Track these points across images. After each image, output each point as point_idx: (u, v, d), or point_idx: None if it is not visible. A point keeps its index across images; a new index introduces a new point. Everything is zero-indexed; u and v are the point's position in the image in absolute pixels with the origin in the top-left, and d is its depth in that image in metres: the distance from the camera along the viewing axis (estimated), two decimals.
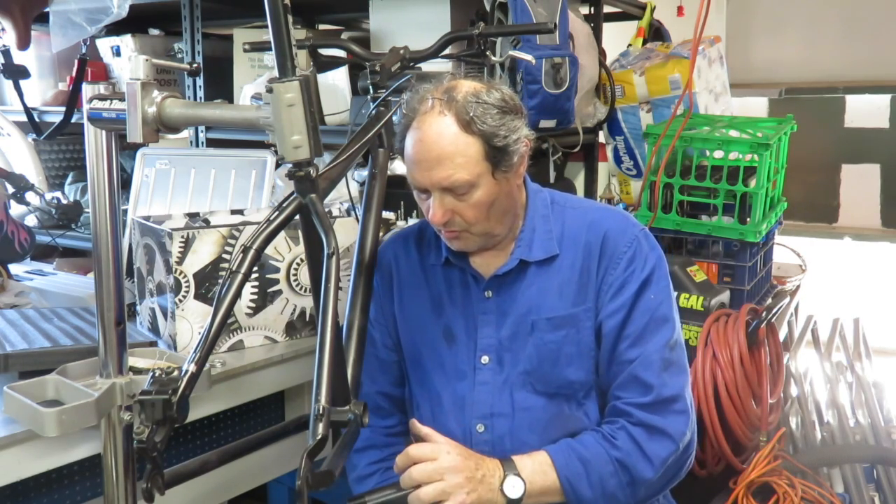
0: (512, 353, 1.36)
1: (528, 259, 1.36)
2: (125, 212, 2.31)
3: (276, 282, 1.75)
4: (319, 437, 1.00)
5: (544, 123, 2.10)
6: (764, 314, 1.94)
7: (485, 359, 1.38)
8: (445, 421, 1.38)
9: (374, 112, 1.49)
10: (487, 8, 2.09)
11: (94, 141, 1.27)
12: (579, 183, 2.67)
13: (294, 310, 1.78)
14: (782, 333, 2.56)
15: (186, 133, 2.70)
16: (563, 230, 1.38)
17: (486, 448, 1.33)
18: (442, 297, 1.42)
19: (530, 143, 1.33)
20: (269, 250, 1.60)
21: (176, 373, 1.08)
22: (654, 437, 1.28)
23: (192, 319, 1.65)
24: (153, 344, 1.66)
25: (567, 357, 1.34)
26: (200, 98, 2.74)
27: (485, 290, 1.39)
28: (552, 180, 2.47)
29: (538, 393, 1.35)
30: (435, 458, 1.22)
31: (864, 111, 4.12)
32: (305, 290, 1.78)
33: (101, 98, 1.21)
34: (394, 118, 1.45)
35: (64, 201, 2.48)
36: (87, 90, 1.23)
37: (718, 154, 2.20)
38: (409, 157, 1.29)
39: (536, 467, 1.26)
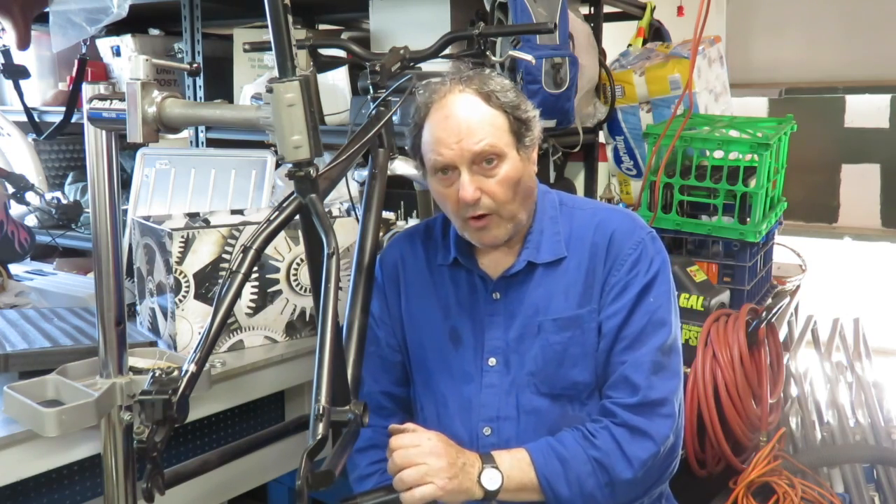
0: (518, 355, 1.36)
1: (535, 261, 1.36)
2: (125, 212, 2.31)
3: (276, 282, 1.75)
4: (319, 437, 1.00)
5: (544, 123, 2.09)
6: (764, 314, 1.94)
7: (492, 361, 1.37)
8: (451, 423, 1.38)
9: (374, 112, 1.49)
10: (487, 8, 2.09)
11: (94, 141, 1.27)
12: (579, 183, 2.67)
13: (294, 310, 1.78)
14: (782, 333, 2.56)
15: (186, 133, 2.70)
16: (570, 231, 1.38)
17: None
18: (449, 298, 1.42)
19: (540, 136, 1.36)
20: (269, 250, 1.60)
21: (176, 373, 1.08)
22: (636, 439, 1.28)
23: (192, 319, 1.65)
24: (153, 344, 1.66)
25: (572, 358, 1.34)
26: (200, 98, 2.74)
27: (492, 292, 1.38)
28: (552, 180, 2.47)
29: (542, 394, 1.35)
30: (418, 444, 1.23)
31: (864, 111, 4.11)
32: (305, 290, 1.78)
33: (101, 98, 1.22)
34: (393, 118, 1.45)
35: (64, 201, 2.48)
36: (87, 90, 1.23)
37: (718, 154, 2.19)
38: (434, 137, 1.29)
39: (515, 463, 1.27)
